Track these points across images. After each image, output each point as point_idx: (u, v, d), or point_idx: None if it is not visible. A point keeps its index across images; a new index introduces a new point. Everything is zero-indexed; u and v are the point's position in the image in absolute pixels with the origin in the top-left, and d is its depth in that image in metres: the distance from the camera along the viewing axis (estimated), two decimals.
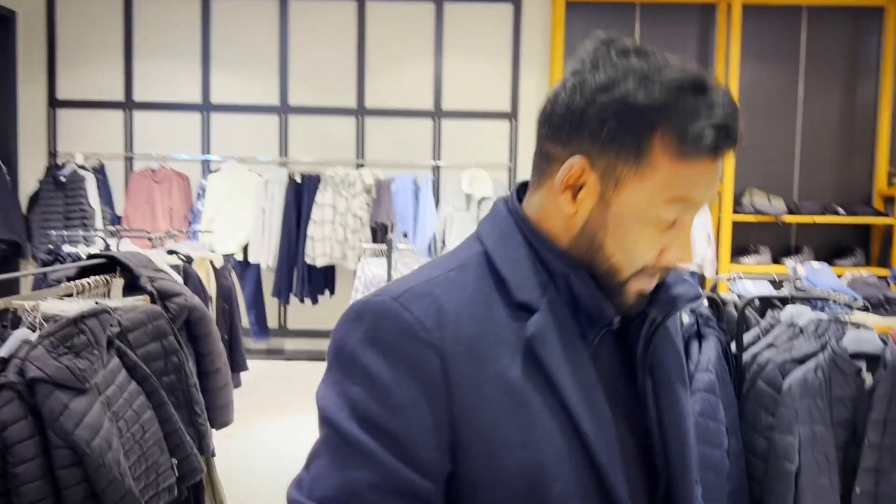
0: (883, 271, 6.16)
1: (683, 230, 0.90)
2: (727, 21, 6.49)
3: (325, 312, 6.42)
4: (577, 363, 0.89)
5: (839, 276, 5.72)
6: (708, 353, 2.42)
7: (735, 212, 6.52)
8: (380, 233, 6.13)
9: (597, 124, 0.87)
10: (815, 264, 5.73)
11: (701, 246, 6.46)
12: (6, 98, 6.58)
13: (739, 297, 2.99)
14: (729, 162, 6.23)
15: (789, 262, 6.02)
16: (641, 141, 0.86)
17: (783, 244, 6.82)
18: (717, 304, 2.65)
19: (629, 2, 6.72)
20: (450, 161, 6.78)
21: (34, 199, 6.38)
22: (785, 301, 2.84)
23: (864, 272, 5.88)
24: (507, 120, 6.84)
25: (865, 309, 2.54)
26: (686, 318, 2.56)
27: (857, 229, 6.77)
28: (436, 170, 6.80)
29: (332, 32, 6.81)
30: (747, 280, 3.78)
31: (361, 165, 6.70)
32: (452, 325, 0.86)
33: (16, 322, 2.39)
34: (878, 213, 6.58)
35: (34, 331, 2.28)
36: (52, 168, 6.45)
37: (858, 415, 2.42)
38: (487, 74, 6.84)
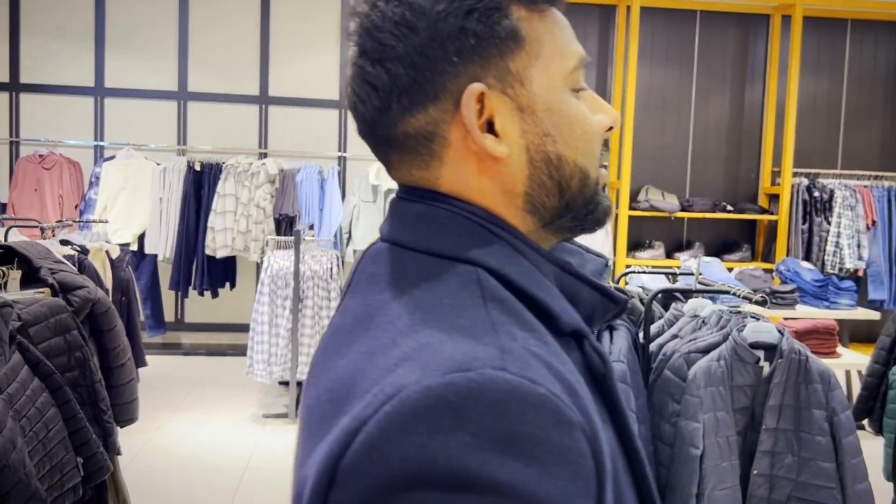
0: (768, 265, 6.54)
1: (589, 93, 0.75)
2: (626, 22, 6.71)
3: (225, 305, 6.27)
4: (617, 389, 0.72)
5: (729, 270, 6.05)
6: (619, 344, 2.51)
7: (631, 208, 6.76)
8: (284, 224, 6.04)
9: (462, 37, 0.67)
10: (707, 259, 6.03)
11: (599, 239, 6.67)
12: None
13: (644, 290, 3.11)
14: (626, 159, 6.47)
15: (683, 257, 6.30)
16: (506, 20, 0.69)
17: (676, 239, 7.14)
18: (625, 294, 2.75)
19: None
20: (356, 152, 6.73)
21: None
22: (687, 294, 2.98)
23: (751, 266, 6.23)
24: None
25: (763, 302, 2.68)
26: None
27: (744, 225, 7.16)
28: (342, 160, 6.74)
29: (235, 16, 6.63)
30: (644, 275, 3.95)
31: (265, 155, 6.56)
32: (571, 389, 0.59)
33: None
34: (763, 211, 6.97)
35: None
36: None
37: (756, 401, 2.57)
38: None
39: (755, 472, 2.53)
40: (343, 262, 5.93)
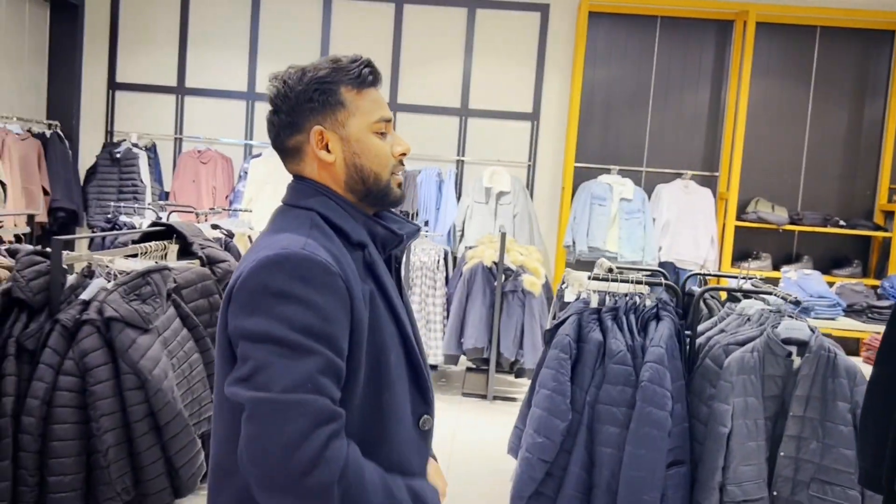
0: (875, 282, 6.53)
1: (394, 135, 1.45)
2: (742, 37, 6.86)
3: None
4: (388, 276, 1.42)
5: (830, 284, 6.12)
6: (661, 331, 2.88)
7: (739, 219, 6.90)
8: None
9: (311, 103, 1.38)
10: (808, 272, 6.13)
11: (704, 248, 6.86)
12: (71, 80, 7.18)
13: (695, 289, 3.43)
14: (735, 171, 6.64)
15: (786, 269, 6.40)
16: (339, 94, 1.39)
17: (785, 252, 7.20)
18: (675, 292, 3.11)
19: (650, 14, 7.12)
20: (473, 157, 7.25)
21: (91, 172, 6.98)
22: (744, 296, 3.28)
23: (853, 281, 6.26)
24: (530, 121, 7.29)
25: (796, 303, 2.95)
26: (648, 302, 3.02)
27: (857, 241, 7.12)
28: (460, 164, 7.28)
29: (370, 31, 7.30)
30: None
31: None
32: (340, 262, 1.29)
33: (91, 274, 2.92)
34: (878, 228, 6.92)
35: (109, 281, 2.82)
36: (109, 145, 7.04)
37: (786, 391, 2.86)
38: (513, 77, 7.29)
39: (782, 454, 2.83)
40: (455, 256, 6.46)
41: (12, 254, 3.36)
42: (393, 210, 1.51)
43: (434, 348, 5.38)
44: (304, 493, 1.19)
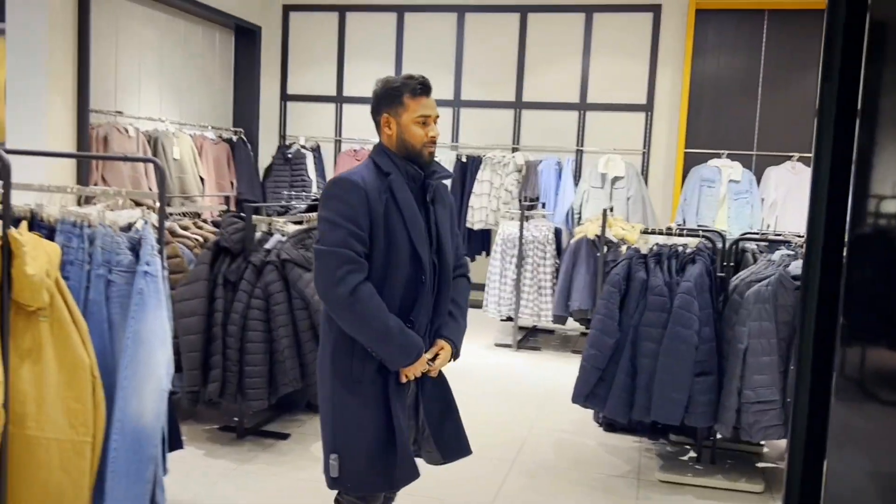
0: None
1: (430, 126, 2.38)
2: None
3: (482, 269, 7.94)
4: (407, 194, 2.37)
5: None
6: (692, 271, 3.66)
7: None
8: (525, 204, 7.55)
9: (385, 100, 2.40)
10: None
11: None
12: (251, 93, 8.67)
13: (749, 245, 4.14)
14: None
15: None
16: (402, 98, 2.38)
17: None
18: (711, 241, 3.87)
19: (758, 8, 7.63)
20: (590, 147, 8.06)
21: (268, 170, 8.41)
22: (773, 246, 3.98)
23: None
24: (644, 112, 8.00)
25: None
26: (688, 249, 3.80)
27: None
28: (578, 154, 8.11)
29: (498, 39, 8.29)
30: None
31: (516, 149, 8.14)
32: (366, 182, 2.32)
33: (271, 232, 4.08)
34: None
35: (283, 236, 3.97)
36: (282, 147, 8.46)
37: (797, 316, 3.55)
38: (628, 72, 8.03)
39: (792, 367, 3.53)
40: (572, 234, 7.30)
41: (216, 225, 4.62)
42: (437, 164, 2.48)
43: (545, 309, 6.27)
44: (335, 300, 2.30)
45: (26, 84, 5.80)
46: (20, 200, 2.62)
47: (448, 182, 2.54)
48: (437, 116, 2.41)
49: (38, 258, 2.26)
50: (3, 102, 5.73)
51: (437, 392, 2.49)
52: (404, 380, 2.39)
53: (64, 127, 5.97)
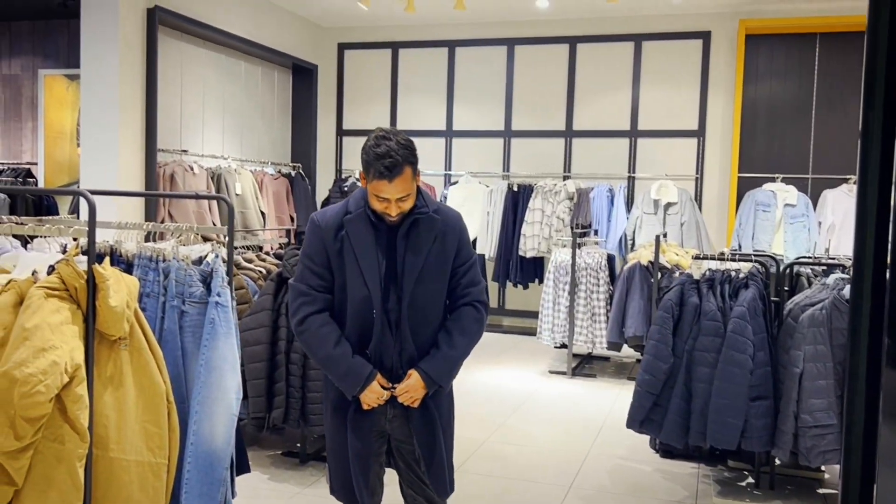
0: None
1: (388, 203, 2.39)
2: None
3: (535, 297, 8.00)
4: (363, 232, 2.45)
5: None
6: (746, 295, 3.68)
7: None
8: (576, 232, 7.60)
9: (362, 158, 2.44)
10: None
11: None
12: (308, 129, 8.95)
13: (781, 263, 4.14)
14: None
15: None
16: (370, 170, 2.40)
17: None
18: (765, 266, 3.88)
19: (809, 32, 7.61)
20: (643, 172, 8.09)
21: (325, 203, 8.64)
22: (828, 270, 3.97)
23: None
24: (696, 137, 8.01)
25: None
26: (741, 274, 3.83)
27: None
28: (630, 180, 8.14)
29: (548, 69, 8.42)
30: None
31: (567, 177, 8.22)
32: (326, 220, 2.49)
33: None
34: None
35: None
36: (338, 181, 8.69)
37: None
38: (678, 99, 8.07)
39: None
40: (625, 261, 7.32)
41: (278, 257, 4.81)
42: (423, 198, 2.54)
43: (599, 337, 6.30)
44: (294, 330, 2.55)
45: (99, 126, 6.13)
46: (99, 238, 2.81)
47: (443, 216, 2.54)
48: (402, 198, 2.41)
49: (119, 291, 2.43)
50: (76, 143, 6.05)
51: (421, 424, 2.54)
52: (366, 407, 2.49)
53: (133, 166, 6.28)
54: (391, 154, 2.33)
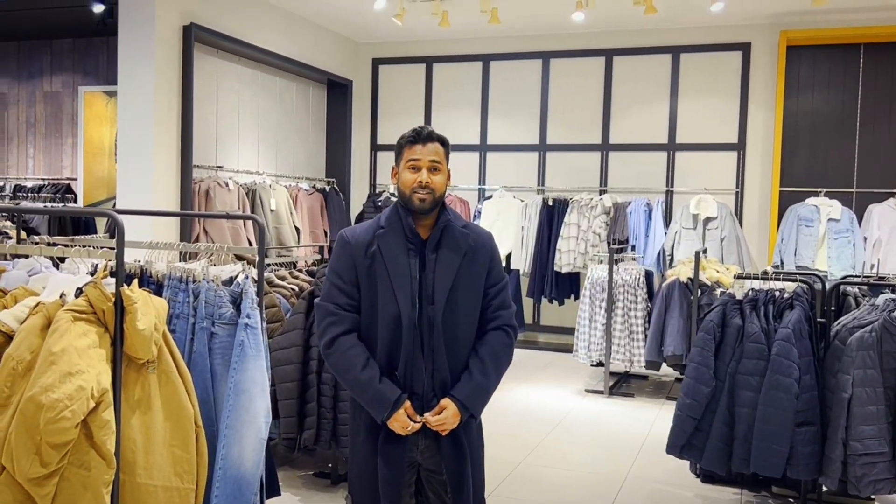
0: None
1: (420, 172, 2.39)
2: None
3: (571, 314, 7.88)
4: (396, 248, 2.40)
5: None
6: (791, 317, 3.55)
7: None
8: (613, 247, 7.47)
9: (395, 155, 2.49)
10: None
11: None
12: (343, 145, 8.95)
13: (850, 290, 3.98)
14: None
15: None
16: (402, 149, 2.45)
17: None
18: (810, 285, 3.74)
19: (853, 42, 7.42)
20: (681, 187, 7.93)
21: (359, 218, 8.61)
22: (876, 289, 3.82)
23: None
24: (735, 151, 7.84)
25: None
26: (785, 294, 3.69)
27: None
28: (668, 194, 7.99)
29: (584, 82, 8.32)
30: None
31: (603, 191, 8.10)
32: (357, 236, 2.45)
33: None
34: None
35: None
36: (372, 196, 8.66)
37: None
38: (717, 111, 7.91)
39: None
40: (664, 277, 7.17)
41: (311, 274, 4.77)
42: (450, 211, 2.51)
43: (637, 355, 6.16)
44: (322, 351, 2.47)
45: (135, 142, 6.18)
46: (130, 257, 2.79)
47: (473, 232, 2.51)
48: (433, 163, 2.41)
49: (147, 314, 2.39)
50: (115, 159, 6.10)
51: (450, 452, 2.44)
52: (402, 432, 2.39)
53: (169, 182, 6.31)
54: (424, 127, 2.47)
